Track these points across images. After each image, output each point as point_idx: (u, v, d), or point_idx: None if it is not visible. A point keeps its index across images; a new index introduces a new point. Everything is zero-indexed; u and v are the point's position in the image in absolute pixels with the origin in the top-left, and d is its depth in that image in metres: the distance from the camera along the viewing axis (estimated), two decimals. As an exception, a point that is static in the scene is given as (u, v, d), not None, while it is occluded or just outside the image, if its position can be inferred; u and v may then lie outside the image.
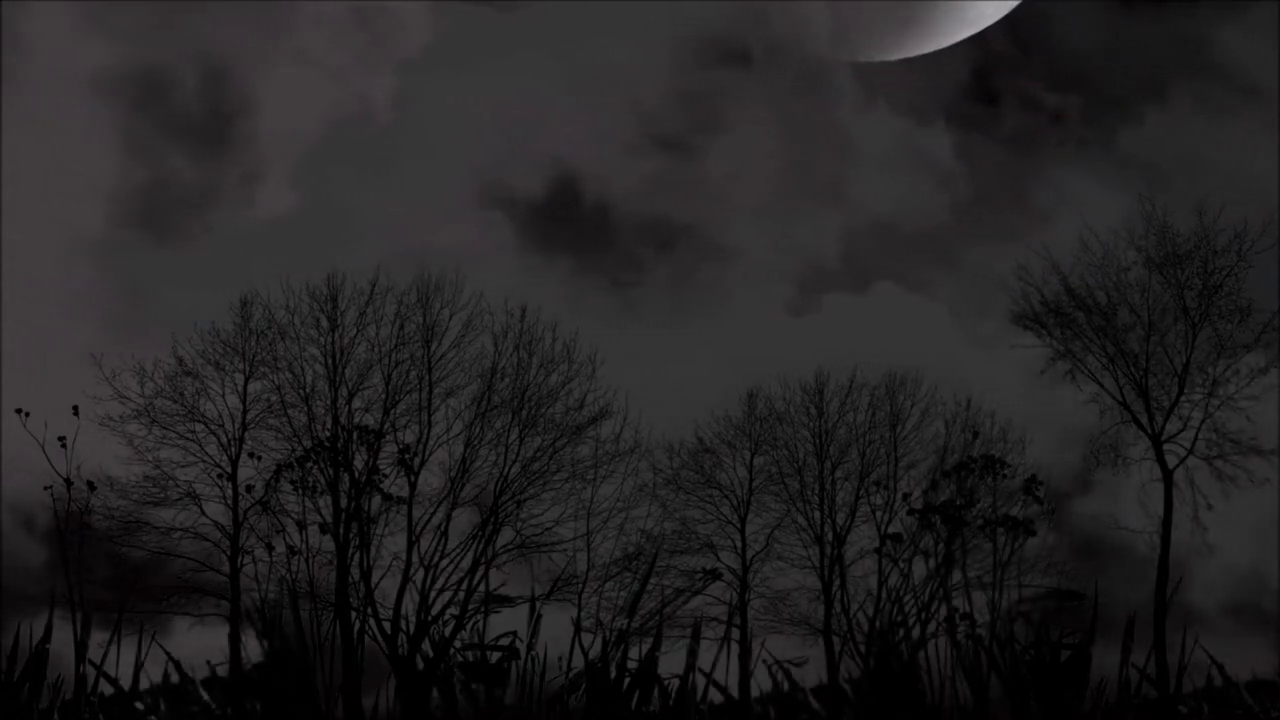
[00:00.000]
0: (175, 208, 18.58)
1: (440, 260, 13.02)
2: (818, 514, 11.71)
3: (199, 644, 10.99)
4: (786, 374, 11.94)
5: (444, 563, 11.00)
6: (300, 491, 10.94)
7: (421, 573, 10.95)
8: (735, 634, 11.56)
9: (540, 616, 11.19)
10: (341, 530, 10.90)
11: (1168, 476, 11.94)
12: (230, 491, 10.96)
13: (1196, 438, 11.94)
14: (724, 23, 16.22)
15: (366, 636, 10.89)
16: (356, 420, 10.94)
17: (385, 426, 10.99)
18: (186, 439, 10.97)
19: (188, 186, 18.17)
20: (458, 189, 17.79)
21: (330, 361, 10.97)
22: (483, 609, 11.16)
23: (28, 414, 10.38)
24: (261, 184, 19.21)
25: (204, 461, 10.98)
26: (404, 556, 10.95)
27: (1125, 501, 12.19)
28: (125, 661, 10.77)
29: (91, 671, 10.64)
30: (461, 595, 11.03)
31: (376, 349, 11.08)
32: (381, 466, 11.00)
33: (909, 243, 15.73)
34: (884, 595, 11.60)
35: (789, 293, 15.51)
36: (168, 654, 10.86)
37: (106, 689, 10.71)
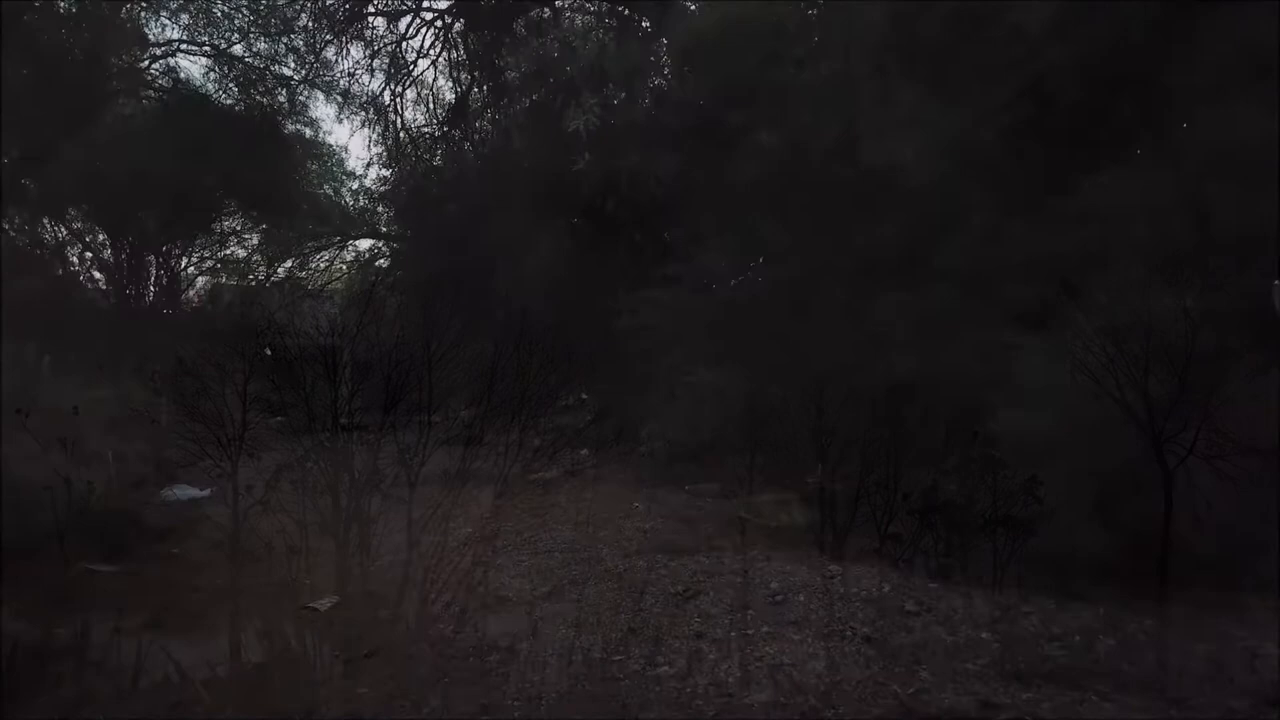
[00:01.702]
0: (212, 208, 18.84)
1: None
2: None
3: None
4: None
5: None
6: (300, 492, 10.94)
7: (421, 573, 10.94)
8: (735, 634, 11.53)
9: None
10: (341, 530, 10.90)
11: (1168, 476, 11.91)
12: (230, 491, 10.97)
13: (1196, 438, 11.89)
14: (761, 21, 16.20)
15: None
16: (357, 418, 10.96)
17: (385, 425, 11.00)
18: (187, 439, 10.98)
19: (223, 186, 18.40)
20: (491, 188, 17.86)
21: (330, 361, 10.99)
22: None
23: (27, 414, 10.40)
24: (295, 186, 19.46)
25: (204, 461, 11.00)
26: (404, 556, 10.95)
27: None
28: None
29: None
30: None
31: (376, 348, 11.09)
32: (381, 466, 11.00)
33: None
34: (884, 595, 11.56)
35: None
36: (168, 654, 10.83)
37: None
